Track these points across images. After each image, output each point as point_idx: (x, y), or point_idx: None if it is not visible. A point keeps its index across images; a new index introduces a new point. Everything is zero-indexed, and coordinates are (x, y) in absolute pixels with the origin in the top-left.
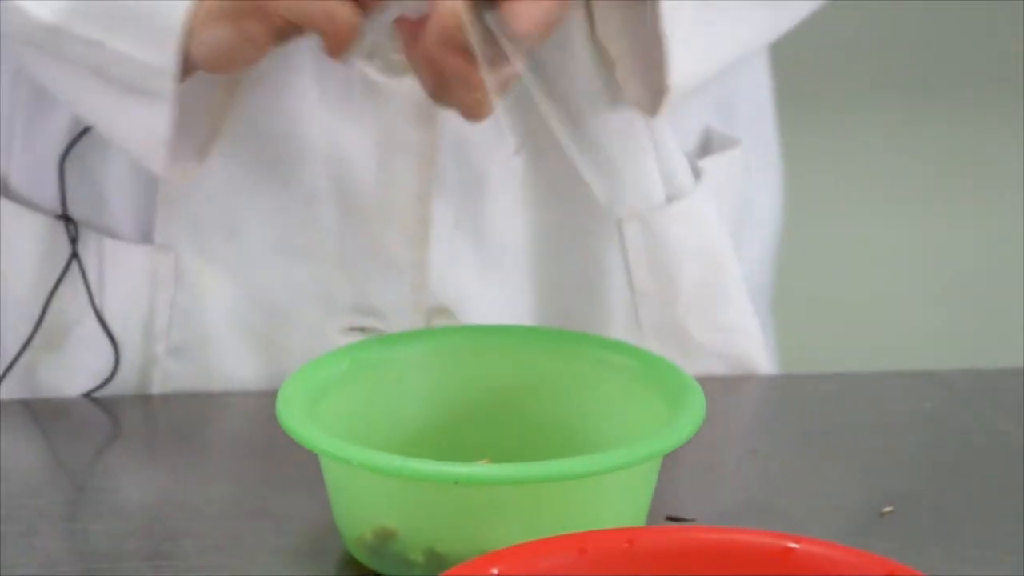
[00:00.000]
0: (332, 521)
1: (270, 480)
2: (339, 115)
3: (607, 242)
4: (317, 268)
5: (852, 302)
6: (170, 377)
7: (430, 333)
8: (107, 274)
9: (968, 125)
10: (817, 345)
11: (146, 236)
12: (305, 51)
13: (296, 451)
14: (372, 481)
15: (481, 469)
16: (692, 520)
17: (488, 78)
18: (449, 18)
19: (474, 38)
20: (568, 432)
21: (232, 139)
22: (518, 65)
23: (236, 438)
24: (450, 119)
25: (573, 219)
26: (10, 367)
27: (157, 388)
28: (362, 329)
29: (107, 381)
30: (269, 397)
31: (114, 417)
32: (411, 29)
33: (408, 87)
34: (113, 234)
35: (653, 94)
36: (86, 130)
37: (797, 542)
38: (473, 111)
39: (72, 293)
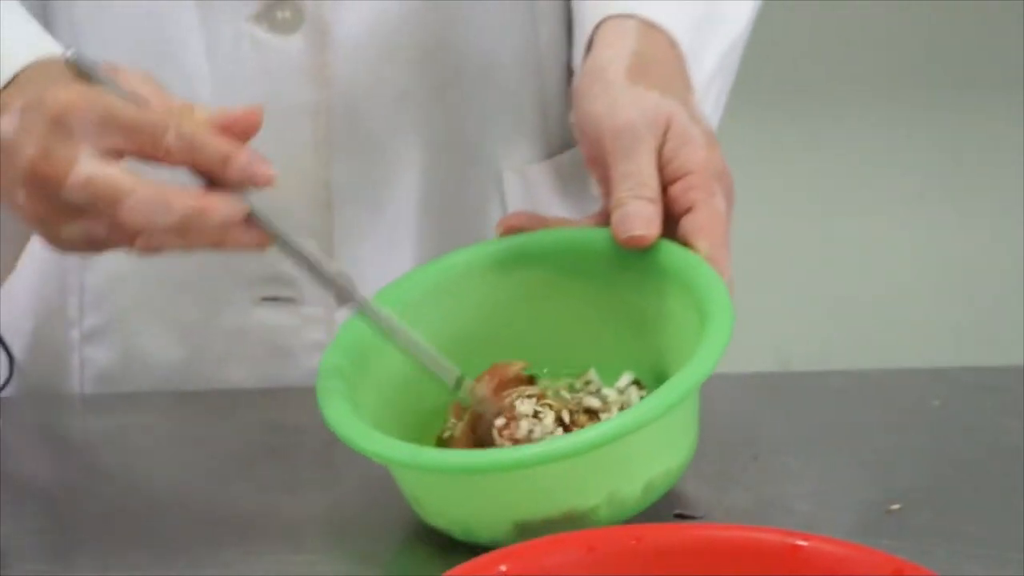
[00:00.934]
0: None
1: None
2: (228, 75)
3: (489, 195)
4: None
5: (859, 299)
6: (89, 363)
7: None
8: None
9: (978, 119)
10: (824, 342)
11: None
12: (193, 8)
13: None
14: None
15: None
16: (700, 518)
17: None
18: None
19: None
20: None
21: None
22: None
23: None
24: (342, 79)
25: (460, 173)
26: None
27: (76, 376)
28: (275, 299)
29: (6, 382)
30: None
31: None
32: None
33: (297, 45)
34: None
35: None
36: None
37: (805, 539)
38: None
39: None
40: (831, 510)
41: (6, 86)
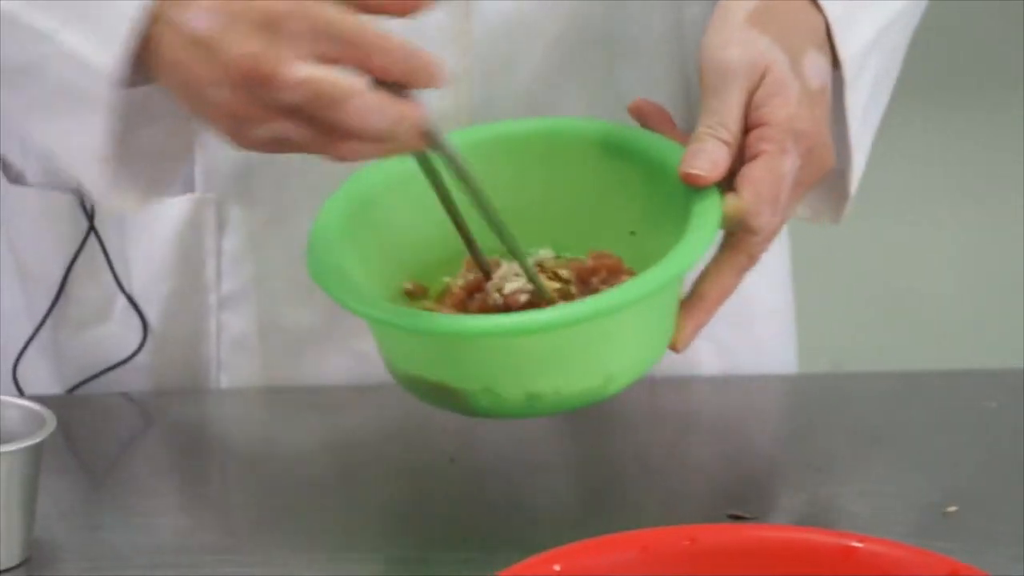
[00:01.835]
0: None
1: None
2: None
3: None
4: None
5: (914, 301)
6: (225, 329)
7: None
8: (129, 241)
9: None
10: (878, 344)
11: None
12: None
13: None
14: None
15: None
16: (754, 518)
17: None
18: None
19: None
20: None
21: None
22: None
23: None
24: (483, 47)
25: None
26: (30, 341)
27: (212, 342)
28: None
29: (139, 349)
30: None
31: None
32: None
33: (441, 12)
34: None
35: (834, 201)
36: None
37: (860, 541)
38: None
39: (93, 269)
40: (886, 512)
41: None
